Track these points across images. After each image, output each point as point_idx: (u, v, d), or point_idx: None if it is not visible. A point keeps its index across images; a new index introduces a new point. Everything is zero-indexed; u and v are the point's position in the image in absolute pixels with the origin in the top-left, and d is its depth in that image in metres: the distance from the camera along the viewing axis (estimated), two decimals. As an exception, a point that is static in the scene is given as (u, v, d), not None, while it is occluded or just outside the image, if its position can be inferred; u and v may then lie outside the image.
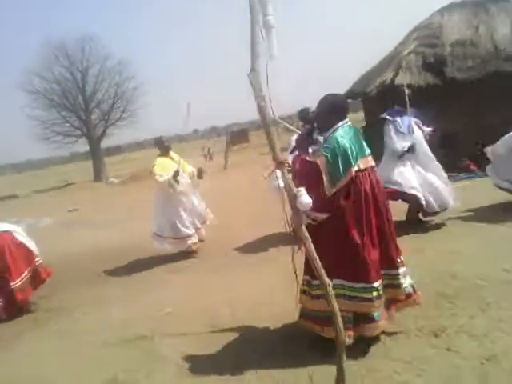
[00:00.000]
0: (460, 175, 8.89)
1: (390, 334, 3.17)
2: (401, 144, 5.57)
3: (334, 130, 3.10)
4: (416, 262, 4.38)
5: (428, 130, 5.82)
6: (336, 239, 3.00)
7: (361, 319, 3.01)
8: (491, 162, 6.09)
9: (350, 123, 3.18)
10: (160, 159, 6.21)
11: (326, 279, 2.43)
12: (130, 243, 7.44)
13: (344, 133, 3.08)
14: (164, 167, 6.05)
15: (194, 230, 6.18)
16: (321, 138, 3.88)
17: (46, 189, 28.03)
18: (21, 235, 5.06)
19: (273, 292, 4.22)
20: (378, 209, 3.07)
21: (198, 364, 3.26)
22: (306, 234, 2.34)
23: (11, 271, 4.80)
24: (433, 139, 5.88)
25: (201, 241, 6.39)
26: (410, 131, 5.64)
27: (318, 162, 2.93)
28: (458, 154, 9.71)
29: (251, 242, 6.44)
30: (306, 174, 2.98)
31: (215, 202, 7.42)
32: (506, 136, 5.85)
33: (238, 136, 32.96)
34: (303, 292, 3.20)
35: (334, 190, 2.95)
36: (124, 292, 5.21)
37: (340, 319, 2.47)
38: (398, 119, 5.69)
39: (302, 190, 2.52)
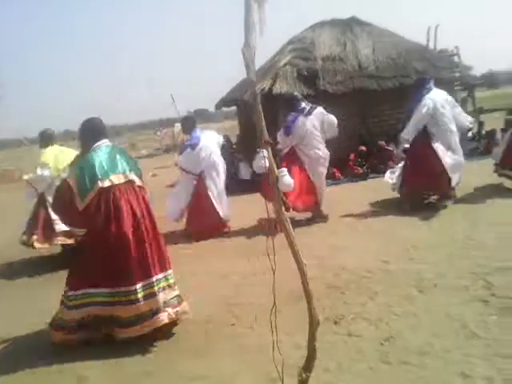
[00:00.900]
0: (328, 181, 9.71)
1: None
2: None
3: (92, 150, 3.45)
4: (304, 257, 4.70)
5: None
6: (93, 249, 3.33)
7: (122, 322, 3.30)
8: None
9: (108, 143, 3.57)
10: None
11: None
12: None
13: (99, 152, 3.44)
14: None
15: None
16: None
17: None
18: None
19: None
20: (136, 221, 3.33)
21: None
22: (286, 216, 2.27)
23: None
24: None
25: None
26: None
27: (70, 181, 3.37)
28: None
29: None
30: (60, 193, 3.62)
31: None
32: None
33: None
34: (61, 302, 3.44)
35: (84, 204, 3.28)
36: None
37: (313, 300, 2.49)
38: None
39: (284, 171, 2.53)
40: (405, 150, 6.39)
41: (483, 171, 7.40)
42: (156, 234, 3.47)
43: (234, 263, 5.00)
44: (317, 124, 6.23)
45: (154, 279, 3.35)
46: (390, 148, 10.46)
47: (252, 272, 4.59)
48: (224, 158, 6.66)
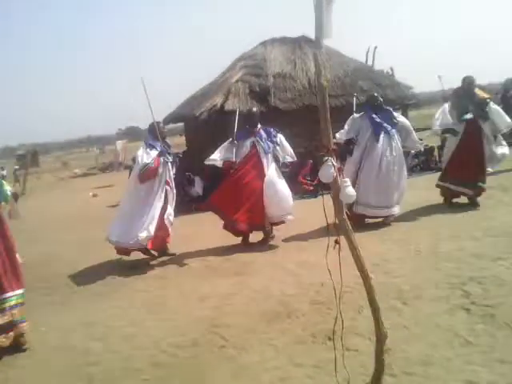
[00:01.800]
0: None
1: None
2: None
3: None
4: (281, 276, 4.76)
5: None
6: None
7: None
8: None
9: None
10: None
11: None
12: None
13: None
14: None
15: None
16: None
17: None
18: None
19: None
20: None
21: None
22: (350, 226, 2.40)
23: None
24: None
25: None
26: None
27: None
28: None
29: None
30: None
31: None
32: None
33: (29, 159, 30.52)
34: None
35: None
36: None
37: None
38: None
39: (348, 181, 2.47)
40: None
41: (428, 186, 7.82)
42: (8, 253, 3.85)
43: (206, 284, 4.91)
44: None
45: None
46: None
47: (228, 292, 4.54)
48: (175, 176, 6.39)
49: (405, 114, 15.03)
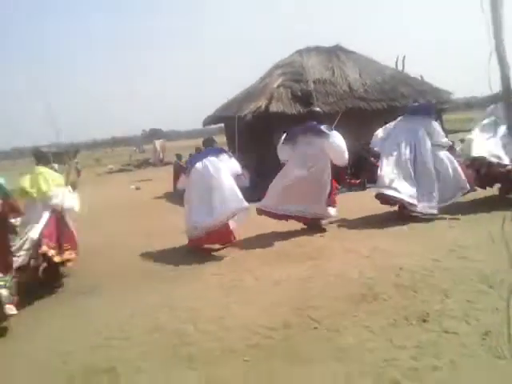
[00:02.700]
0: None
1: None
2: None
3: None
4: (355, 260, 4.64)
5: None
6: None
7: None
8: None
9: None
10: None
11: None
12: None
13: None
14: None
15: None
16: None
17: None
18: None
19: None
20: None
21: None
22: None
23: None
24: None
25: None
26: None
27: None
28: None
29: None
30: None
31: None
32: None
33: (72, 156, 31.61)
34: None
35: None
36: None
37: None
38: None
39: None
40: None
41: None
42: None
43: (279, 269, 4.82)
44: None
45: None
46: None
47: (304, 276, 4.45)
48: None
49: (440, 118, 14.76)
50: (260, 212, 6.27)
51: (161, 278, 5.00)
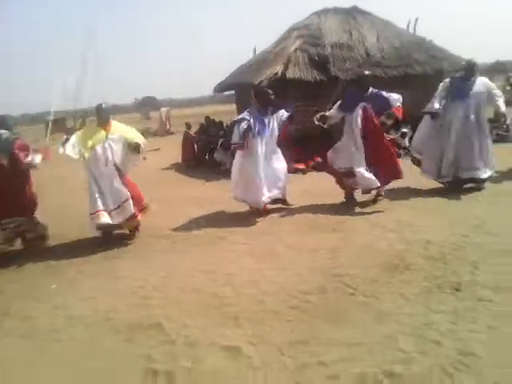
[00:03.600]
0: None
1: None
2: None
3: None
4: (382, 233, 4.82)
5: None
6: None
7: None
8: None
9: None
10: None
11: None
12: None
13: None
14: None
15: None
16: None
17: None
18: None
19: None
20: None
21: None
22: None
23: None
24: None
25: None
26: None
27: None
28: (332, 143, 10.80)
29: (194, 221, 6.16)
30: None
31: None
32: None
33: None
34: None
35: None
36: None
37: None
38: None
39: None
40: None
41: None
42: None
43: (310, 238, 5.01)
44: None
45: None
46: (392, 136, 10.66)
47: (335, 246, 4.63)
48: None
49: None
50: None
51: (190, 244, 5.23)
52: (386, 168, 5.95)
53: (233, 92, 15.70)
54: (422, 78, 11.59)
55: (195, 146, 12.56)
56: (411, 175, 6.73)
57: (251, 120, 5.96)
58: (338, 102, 6.36)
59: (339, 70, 11.08)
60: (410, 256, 4.14)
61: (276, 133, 6.23)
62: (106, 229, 5.43)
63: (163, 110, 26.97)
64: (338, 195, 6.43)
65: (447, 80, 6.67)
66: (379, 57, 11.68)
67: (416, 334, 2.90)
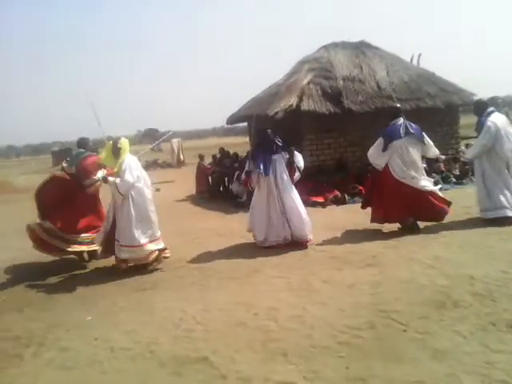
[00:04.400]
0: (355, 199, 9.84)
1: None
2: None
3: None
4: (420, 268, 4.81)
5: None
6: None
7: None
8: None
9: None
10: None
11: None
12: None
13: None
14: None
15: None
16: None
17: None
18: None
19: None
20: None
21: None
22: None
23: None
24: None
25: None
26: None
27: None
28: (350, 178, 10.89)
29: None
30: None
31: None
32: None
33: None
34: None
35: None
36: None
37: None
38: None
39: None
40: None
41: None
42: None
43: (343, 272, 5.00)
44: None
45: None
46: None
47: (374, 280, 4.61)
48: None
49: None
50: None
51: (225, 277, 5.20)
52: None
53: (238, 125, 15.93)
54: (433, 111, 11.87)
55: (209, 178, 12.61)
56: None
57: (260, 158, 6.24)
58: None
59: (352, 102, 11.30)
60: (456, 292, 4.12)
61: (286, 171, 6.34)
62: None
63: (175, 140, 27.22)
64: (362, 229, 6.44)
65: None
66: (390, 90, 11.92)
67: (479, 372, 2.87)
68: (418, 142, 6.50)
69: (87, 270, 5.99)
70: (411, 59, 13.91)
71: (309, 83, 11.69)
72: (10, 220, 9.93)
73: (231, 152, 13.56)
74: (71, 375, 3.31)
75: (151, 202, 5.66)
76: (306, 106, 10.94)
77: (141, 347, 3.62)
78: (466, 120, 13.50)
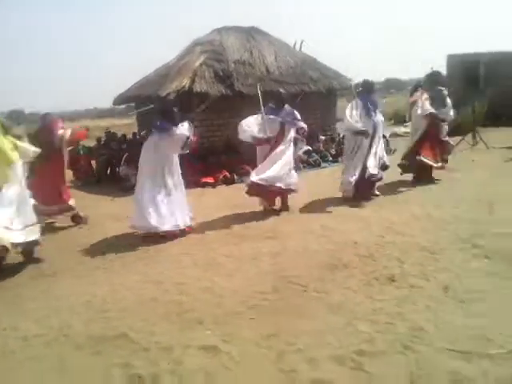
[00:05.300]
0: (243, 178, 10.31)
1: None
2: None
3: None
4: (312, 237, 5.40)
5: None
6: None
7: None
8: None
9: None
10: None
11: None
12: None
13: None
14: None
15: None
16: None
17: None
18: None
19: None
20: None
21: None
22: None
23: None
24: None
25: None
26: None
27: None
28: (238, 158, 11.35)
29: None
30: None
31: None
32: None
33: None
34: None
35: None
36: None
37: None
38: None
39: None
40: None
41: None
42: None
43: (244, 247, 5.39)
44: None
45: None
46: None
47: (273, 252, 5.07)
48: None
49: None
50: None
51: (128, 261, 5.28)
52: None
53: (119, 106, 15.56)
54: (315, 95, 12.83)
55: (92, 162, 12.13)
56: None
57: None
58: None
59: (242, 85, 11.73)
60: (345, 256, 4.73)
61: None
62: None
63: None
64: (253, 206, 6.93)
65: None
66: (278, 74, 12.62)
67: (369, 319, 3.42)
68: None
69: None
70: (294, 45, 14.81)
71: (201, 65, 11.85)
72: None
73: (119, 134, 13.23)
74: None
75: None
76: (198, 87, 11.12)
77: (54, 332, 3.62)
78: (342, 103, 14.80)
